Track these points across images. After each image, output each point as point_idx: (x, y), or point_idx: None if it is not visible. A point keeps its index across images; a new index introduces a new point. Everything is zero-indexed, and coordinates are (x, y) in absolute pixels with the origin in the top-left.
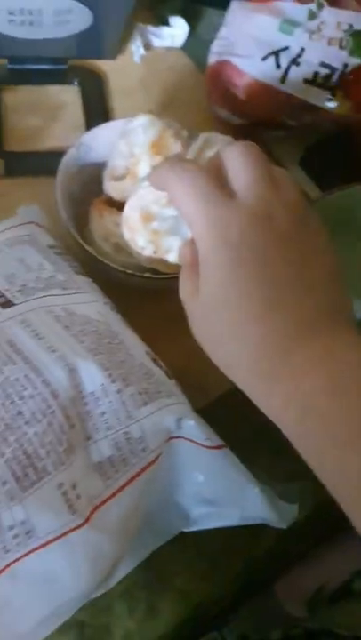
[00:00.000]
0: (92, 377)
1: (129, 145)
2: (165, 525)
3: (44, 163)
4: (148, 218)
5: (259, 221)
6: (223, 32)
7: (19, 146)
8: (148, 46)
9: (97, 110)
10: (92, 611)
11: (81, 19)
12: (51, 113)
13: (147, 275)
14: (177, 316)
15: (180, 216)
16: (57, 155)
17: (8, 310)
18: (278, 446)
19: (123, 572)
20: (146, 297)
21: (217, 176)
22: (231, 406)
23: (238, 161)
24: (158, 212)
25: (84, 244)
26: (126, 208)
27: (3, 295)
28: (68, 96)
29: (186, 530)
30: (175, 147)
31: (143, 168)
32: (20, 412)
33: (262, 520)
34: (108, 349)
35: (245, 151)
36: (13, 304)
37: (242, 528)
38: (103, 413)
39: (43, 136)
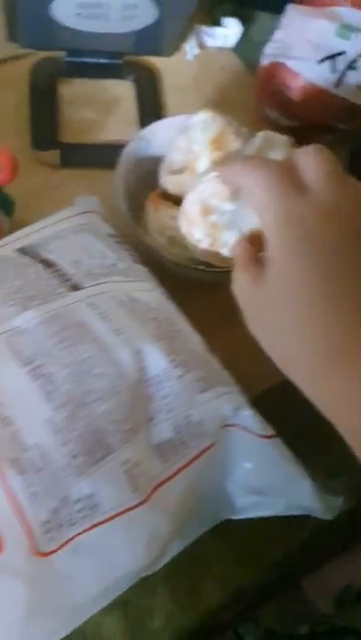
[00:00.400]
0: (156, 361)
1: (188, 140)
2: (212, 512)
3: (98, 155)
4: (207, 211)
5: (329, 217)
6: (278, 35)
7: (74, 138)
8: (201, 46)
9: (150, 106)
10: (137, 591)
11: (146, 14)
12: (105, 107)
13: (201, 267)
14: (227, 310)
15: (238, 211)
16: (111, 148)
17: (76, 293)
18: (321, 443)
19: (170, 554)
20: (197, 290)
21: (290, 173)
22: (275, 401)
23: (311, 159)
24: (217, 206)
25: (143, 235)
26: (186, 201)
27: (70, 279)
28: (123, 91)
29: (231, 517)
30: (235, 144)
31: (203, 163)
32: (90, 390)
33: (307, 511)
34: (168, 336)
35: (318, 151)
36: (80, 288)
37: (283, 518)
38: (165, 397)
39: (97, 129)
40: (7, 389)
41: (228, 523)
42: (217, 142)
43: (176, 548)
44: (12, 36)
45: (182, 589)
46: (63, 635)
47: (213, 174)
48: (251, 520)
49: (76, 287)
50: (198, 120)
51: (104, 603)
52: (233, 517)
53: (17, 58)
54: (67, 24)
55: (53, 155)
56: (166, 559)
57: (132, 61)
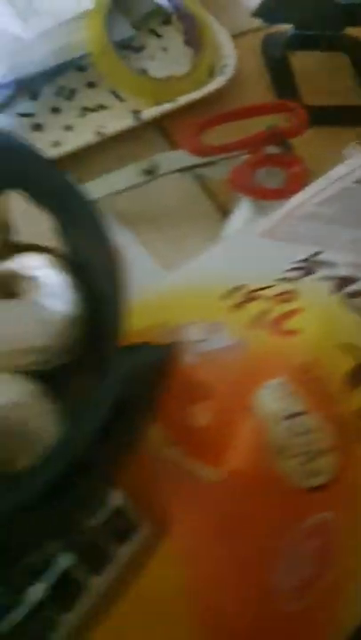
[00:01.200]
0: None
1: None
2: None
3: (340, 116)
4: None
5: None
6: None
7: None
8: None
9: None
10: None
11: None
12: (324, 77)
13: None
14: None
15: None
16: (347, 109)
17: None
18: None
19: None
20: None
21: None
22: None
23: None
24: None
25: None
26: None
27: None
28: (339, 62)
29: None
30: None
31: None
32: None
33: None
34: None
35: None
36: None
37: None
38: None
39: (325, 96)
40: None
41: None
42: None
43: None
44: (257, 13)
45: None
46: None
47: None
48: None
49: None
50: None
51: None
52: None
53: (245, 33)
54: None
55: None
56: None
57: (346, 34)
